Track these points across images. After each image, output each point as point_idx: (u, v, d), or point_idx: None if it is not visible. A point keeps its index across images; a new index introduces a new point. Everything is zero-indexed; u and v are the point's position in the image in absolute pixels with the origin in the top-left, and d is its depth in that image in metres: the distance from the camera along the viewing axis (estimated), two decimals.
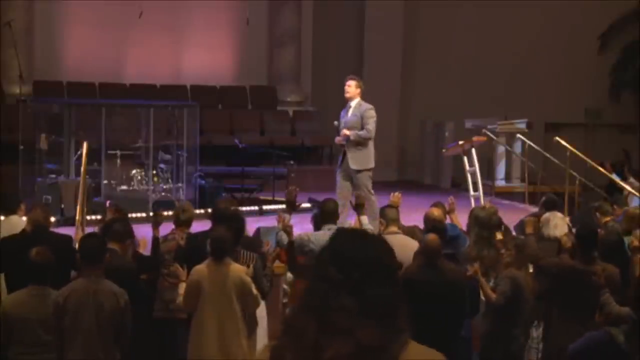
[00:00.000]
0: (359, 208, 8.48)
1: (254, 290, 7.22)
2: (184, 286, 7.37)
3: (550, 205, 9.37)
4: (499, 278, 7.58)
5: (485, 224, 8.29)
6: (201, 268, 7.24)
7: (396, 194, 9.04)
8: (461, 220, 9.12)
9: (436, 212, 8.59)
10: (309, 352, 2.53)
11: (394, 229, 8.24)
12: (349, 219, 9.06)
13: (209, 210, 12.34)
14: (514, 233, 9.33)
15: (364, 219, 8.43)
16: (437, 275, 7.03)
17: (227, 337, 7.07)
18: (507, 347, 7.51)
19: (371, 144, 11.12)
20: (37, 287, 6.63)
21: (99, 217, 10.21)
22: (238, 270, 7.19)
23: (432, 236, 7.21)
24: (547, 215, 8.83)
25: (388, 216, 8.36)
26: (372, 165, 11.08)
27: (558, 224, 8.54)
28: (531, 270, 7.99)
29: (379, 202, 10.21)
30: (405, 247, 7.80)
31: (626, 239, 8.68)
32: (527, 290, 7.53)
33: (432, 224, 7.98)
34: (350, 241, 2.66)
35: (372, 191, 10.89)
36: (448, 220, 8.85)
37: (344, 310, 2.53)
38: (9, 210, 8.95)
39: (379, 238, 2.78)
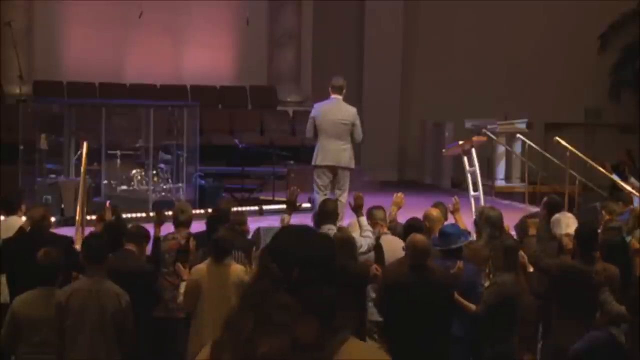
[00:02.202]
0: (357, 209, 8.47)
1: None
2: (184, 285, 7.38)
3: (553, 207, 9.35)
4: (488, 284, 7.57)
5: (496, 224, 8.30)
6: (201, 268, 7.24)
7: (399, 194, 9.05)
8: (465, 220, 9.13)
9: (434, 212, 8.60)
10: (246, 348, 2.53)
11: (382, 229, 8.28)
12: (346, 220, 9.05)
13: (209, 210, 12.39)
14: (512, 233, 9.32)
15: (363, 220, 8.42)
16: (425, 276, 7.02)
17: None
18: (496, 348, 7.50)
19: (318, 143, 11.05)
20: (45, 288, 6.65)
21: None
22: (238, 270, 7.19)
23: (419, 236, 7.19)
24: (557, 215, 8.85)
25: (377, 216, 8.39)
26: (313, 162, 11.04)
27: (570, 223, 8.54)
28: (531, 270, 7.99)
29: (380, 203, 10.20)
30: (400, 246, 7.78)
31: (628, 238, 8.68)
32: (519, 294, 7.50)
33: (411, 223, 7.94)
34: (293, 239, 2.65)
35: (317, 189, 10.89)
36: (451, 220, 8.85)
37: (281, 307, 2.52)
38: (10, 211, 8.92)
39: (325, 237, 2.76)
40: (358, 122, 11.01)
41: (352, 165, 11.06)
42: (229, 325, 2.62)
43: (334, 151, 10.91)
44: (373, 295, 7.79)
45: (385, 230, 8.32)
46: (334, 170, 10.94)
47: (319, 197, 10.52)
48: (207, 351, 2.71)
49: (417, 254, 7.05)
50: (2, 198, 9.10)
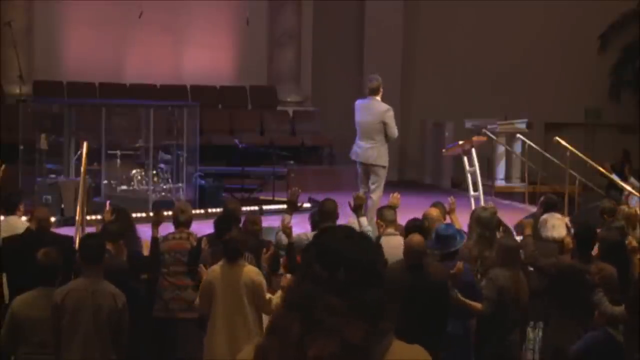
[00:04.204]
0: (357, 209, 8.45)
1: (267, 294, 7.21)
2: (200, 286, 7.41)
3: (550, 206, 9.36)
4: (484, 281, 7.58)
5: (487, 225, 8.30)
6: (215, 269, 7.25)
7: (395, 194, 9.06)
8: (461, 220, 9.12)
9: (434, 212, 8.60)
10: (294, 350, 2.51)
11: (390, 229, 8.26)
12: (345, 220, 9.03)
13: (209, 210, 12.40)
14: (514, 233, 9.32)
15: (363, 220, 8.41)
16: (421, 276, 7.02)
17: (237, 337, 7.06)
18: (496, 346, 7.51)
19: None
20: (45, 288, 6.64)
21: (99, 217, 10.20)
22: (251, 271, 7.19)
23: (415, 237, 7.20)
24: (545, 216, 8.84)
25: (387, 218, 8.37)
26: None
27: (556, 225, 8.54)
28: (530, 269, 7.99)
29: (380, 203, 10.22)
30: (402, 247, 7.79)
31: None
32: (512, 291, 7.50)
33: (412, 224, 7.97)
34: (336, 239, 2.62)
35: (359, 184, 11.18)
36: (448, 220, 8.85)
37: (329, 309, 2.50)
38: (9, 210, 8.91)
39: (365, 236, 2.75)
40: (389, 120, 11.08)
41: (380, 163, 11.10)
42: (274, 329, 2.60)
43: (362, 149, 11.12)
44: None
45: (391, 230, 8.28)
46: (366, 167, 11.13)
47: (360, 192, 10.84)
48: (249, 353, 2.68)
49: (413, 254, 7.06)
50: (3, 197, 9.10)
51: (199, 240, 8.33)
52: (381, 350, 2.58)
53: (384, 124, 11.04)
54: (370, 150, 11.06)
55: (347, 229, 2.72)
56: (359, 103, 11.31)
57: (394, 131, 11.13)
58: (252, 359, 2.64)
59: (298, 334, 2.50)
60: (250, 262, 7.47)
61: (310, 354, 2.48)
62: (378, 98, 11.18)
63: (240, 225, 8.48)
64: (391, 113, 11.11)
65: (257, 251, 7.85)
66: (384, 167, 11.11)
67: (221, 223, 8.27)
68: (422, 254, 7.09)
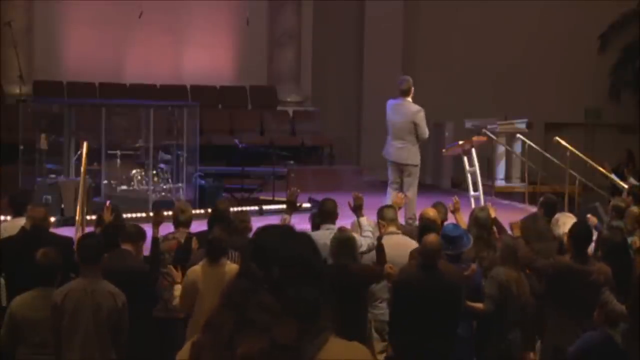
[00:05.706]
0: (357, 210, 8.43)
1: None
2: (179, 287, 7.37)
3: (549, 206, 9.36)
4: (486, 280, 7.58)
5: (484, 225, 8.30)
6: (196, 269, 7.23)
7: (399, 195, 9.08)
8: (465, 220, 9.12)
9: (431, 212, 8.56)
10: (226, 348, 2.49)
11: (392, 228, 8.24)
12: (348, 221, 9.02)
13: (209, 210, 12.39)
14: (510, 233, 9.30)
15: (363, 220, 8.39)
16: (435, 276, 7.02)
17: None
18: (497, 346, 7.51)
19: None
20: (44, 289, 6.64)
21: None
22: (234, 270, 7.15)
23: (432, 237, 7.18)
24: (557, 215, 8.89)
25: (387, 217, 8.36)
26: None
27: (566, 222, 8.55)
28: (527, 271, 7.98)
29: (380, 203, 10.21)
30: (403, 246, 7.80)
31: (629, 239, 8.67)
32: (513, 289, 7.50)
33: (423, 223, 7.98)
34: (273, 238, 2.60)
35: (389, 183, 11.47)
36: (452, 220, 8.84)
37: (262, 307, 2.48)
38: (17, 212, 8.75)
39: (306, 237, 2.70)
40: (419, 121, 11.36)
41: (412, 162, 11.37)
42: (209, 326, 2.59)
43: (394, 148, 11.41)
44: (387, 295, 7.79)
45: (393, 229, 8.26)
46: (399, 166, 11.39)
47: (389, 191, 11.22)
48: (187, 350, 2.68)
49: (429, 254, 7.04)
50: (12, 199, 9.00)
51: (187, 239, 8.28)
52: (314, 349, 2.55)
53: (415, 124, 11.30)
54: (401, 150, 11.35)
55: (285, 229, 2.68)
56: (390, 103, 11.55)
57: (425, 131, 11.42)
58: (188, 357, 2.63)
59: (230, 332, 2.49)
60: (236, 261, 7.43)
61: (238, 352, 2.46)
62: (409, 99, 11.47)
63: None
64: (422, 114, 11.39)
65: (244, 249, 7.80)
66: (415, 165, 11.39)
67: (212, 222, 8.29)
68: (437, 254, 7.08)
